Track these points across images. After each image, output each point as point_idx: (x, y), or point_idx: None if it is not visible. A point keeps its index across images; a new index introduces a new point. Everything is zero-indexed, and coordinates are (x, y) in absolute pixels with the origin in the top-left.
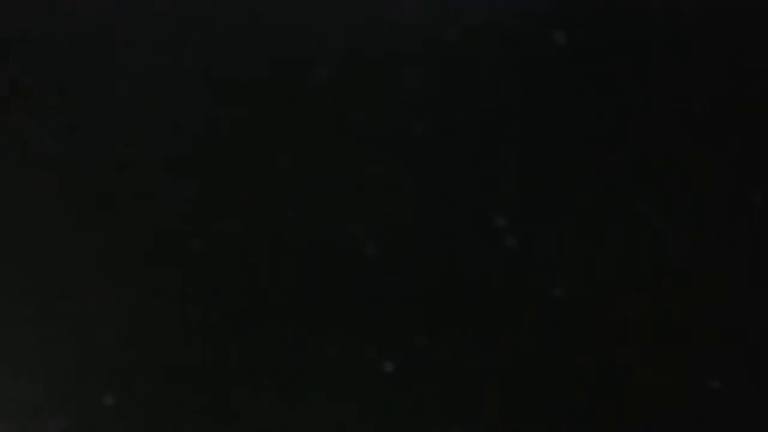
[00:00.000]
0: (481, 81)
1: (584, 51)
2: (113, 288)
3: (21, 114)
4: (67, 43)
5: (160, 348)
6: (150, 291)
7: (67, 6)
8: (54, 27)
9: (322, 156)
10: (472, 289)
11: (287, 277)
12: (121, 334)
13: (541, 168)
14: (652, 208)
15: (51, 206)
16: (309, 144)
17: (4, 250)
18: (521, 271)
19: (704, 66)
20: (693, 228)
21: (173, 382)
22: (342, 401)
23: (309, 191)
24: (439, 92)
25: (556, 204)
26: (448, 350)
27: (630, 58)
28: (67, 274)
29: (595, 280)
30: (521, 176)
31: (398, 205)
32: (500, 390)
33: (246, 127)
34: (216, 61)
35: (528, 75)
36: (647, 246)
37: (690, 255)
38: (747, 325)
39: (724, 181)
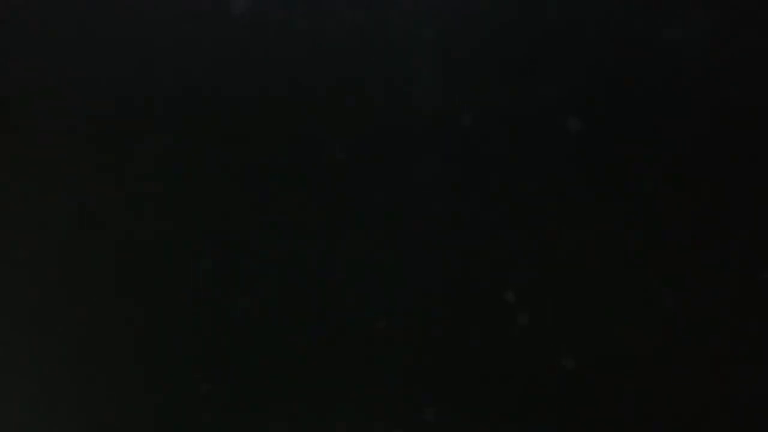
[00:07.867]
0: (495, 166)
1: (597, 138)
2: (121, 365)
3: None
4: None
5: (168, 423)
6: (158, 367)
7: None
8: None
9: (332, 236)
10: (482, 362)
11: (298, 350)
12: (129, 411)
13: (553, 249)
14: (662, 286)
15: (58, 287)
16: (321, 225)
17: (9, 331)
18: (531, 347)
19: (716, 154)
20: (701, 303)
21: None
22: None
23: (318, 268)
24: (453, 176)
25: (567, 282)
26: (456, 423)
27: (642, 145)
28: (74, 351)
29: (605, 356)
30: (532, 255)
31: (410, 281)
32: None
33: (258, 207)
34: (235, 152)
35: (541, 161)
36: (656, 322)
37: (699, 329)
38: (754, 399)
39: (731, 257)
